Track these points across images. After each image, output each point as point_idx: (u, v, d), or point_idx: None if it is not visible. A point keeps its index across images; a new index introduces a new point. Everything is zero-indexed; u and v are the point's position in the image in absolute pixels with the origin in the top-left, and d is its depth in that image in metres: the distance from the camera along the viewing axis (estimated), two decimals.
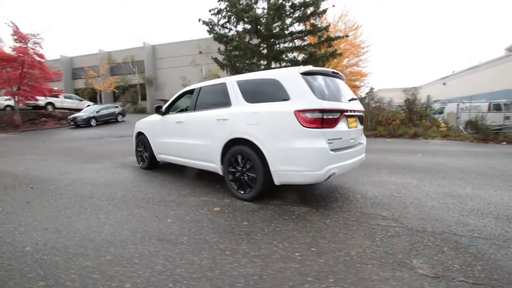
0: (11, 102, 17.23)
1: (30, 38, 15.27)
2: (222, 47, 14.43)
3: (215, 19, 14.03)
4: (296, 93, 2.81)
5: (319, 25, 13.62)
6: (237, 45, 13.34)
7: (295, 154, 2.74)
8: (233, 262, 1.93)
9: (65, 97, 20.69)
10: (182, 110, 4.69)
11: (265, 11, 13.60)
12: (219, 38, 14.13)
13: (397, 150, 7.42)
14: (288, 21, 13.71)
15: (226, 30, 14.46)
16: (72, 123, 16.05)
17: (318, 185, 3.83)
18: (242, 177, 3.24)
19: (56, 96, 19.47)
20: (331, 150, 2.76)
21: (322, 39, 13.48)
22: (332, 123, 2.80)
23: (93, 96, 28.43)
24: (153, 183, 4.14)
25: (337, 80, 3.31)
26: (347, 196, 3.41)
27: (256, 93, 3.21)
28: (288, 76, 2.95)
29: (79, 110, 18.61)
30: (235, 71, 14.07)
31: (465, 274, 1.78)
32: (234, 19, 13.92)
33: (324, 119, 2.70)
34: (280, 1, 12.98)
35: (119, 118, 18.84)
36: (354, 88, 17.48)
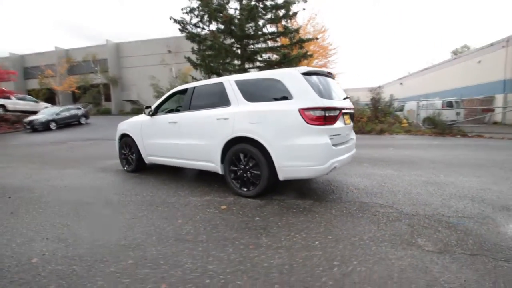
0: None
1: None
2: (195, 47, 14.18)
3: (187, 17, 13.75)
4: (299, 92, 2.96)
5: (291, 27, 14.05)
6: (212, 44, 13.23)
7: (301, 150, 2.88)
8: (260, 255, 2.00)
9: (18, 99, 18.66)
10: (171, 111, 4.60)
11: (237, 11, 13.64)
12: (192, 37, 13.87)
13: (371, 145, 7.98)
14: (261, 22, 13.93)
15: (199, 29, 14.24)
16: (28, 126, 14.55)
17: (312, 180, 4.03)
18: (244, 175, 3.30)
19: (8, 98, 17.50)
20: (333, 145, 2.96)
21: (294, 40, 13.94)
22: (333, 120, 2.99)
23: (49, 97, 25.93)
24: (146, 185, 4.01)
25: (330, 79, 3.53)
26: (341, 188, 3.65)
27: (256, 93, 3.30)
28: (290, 76, 3.08)
29: (35, 112, 16.90)
30: (209, 71, 13.93)
31: (462, 247, 2.06)
32: (207, 18, 13.78)
33: (326, 117, 2.88)
34: (254, 2, 13.15)
35: (83, 120, 17.52)
36: None
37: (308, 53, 14.45)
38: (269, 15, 13.90)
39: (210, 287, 1.65)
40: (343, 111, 3.24)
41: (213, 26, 14.01)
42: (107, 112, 26.15)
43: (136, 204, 3.18)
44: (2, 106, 17.23)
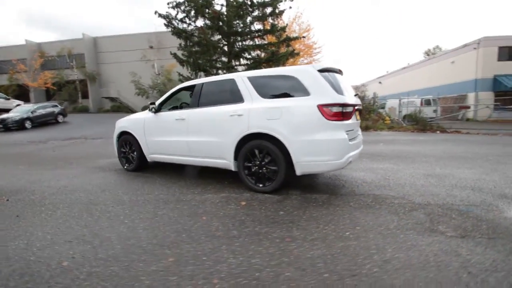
0: None
1: None
2: (182, 43, 13.86)
3: (173, 12, 13.40)
4: (316, 89, 3.03)
5: (277, 25, 14.14)
6: (199, 41, 13.01)
7: (320, 145, 2.96)
8: (298, 247, 2.05)
9: None
10: (175, 107, 4.51)
11: (224, 8, 13.49)
12: (178, 33, 13.55)
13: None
14: (249, 19, 13.89)
15: (185, 25, 13.93)
16: (0, 125, 13.54)
17: (318, 175, 4.14)
18: (260, 171, 3.33)
19: None
20: (348, 140, 3.06)
21: (281, 38, 14.04)
22: (349, 116, 3.10)
23: (19, 94, 24.17)
24: (153, 184, 3.92)
25: (341, 76, 3.63)
26: (351, 182, 3.79)
27: (271, 89, 3.33)
28: (306, 73, 3.14)
29: (7, 110, 15.75)
30: (196, 67, 13.69)
31: (479, 232, 2.24)
32: (194, 13, 13.51)
33: (343, 113, 2.98)
34: None
35: (60, 118, 16.59)
36: None
37: (295, 52, 14.67)
38: (256, 12, 13.90)
39: (262, 280, 1.67)
40: (357, 107, 3.36)
41: (200, 22, 13.79)
42: (84, 110, 24.87)
43: (152, 203, 3.10)
44: None
